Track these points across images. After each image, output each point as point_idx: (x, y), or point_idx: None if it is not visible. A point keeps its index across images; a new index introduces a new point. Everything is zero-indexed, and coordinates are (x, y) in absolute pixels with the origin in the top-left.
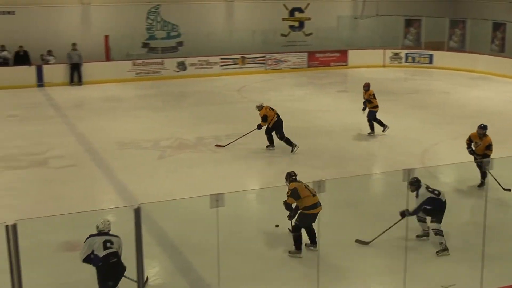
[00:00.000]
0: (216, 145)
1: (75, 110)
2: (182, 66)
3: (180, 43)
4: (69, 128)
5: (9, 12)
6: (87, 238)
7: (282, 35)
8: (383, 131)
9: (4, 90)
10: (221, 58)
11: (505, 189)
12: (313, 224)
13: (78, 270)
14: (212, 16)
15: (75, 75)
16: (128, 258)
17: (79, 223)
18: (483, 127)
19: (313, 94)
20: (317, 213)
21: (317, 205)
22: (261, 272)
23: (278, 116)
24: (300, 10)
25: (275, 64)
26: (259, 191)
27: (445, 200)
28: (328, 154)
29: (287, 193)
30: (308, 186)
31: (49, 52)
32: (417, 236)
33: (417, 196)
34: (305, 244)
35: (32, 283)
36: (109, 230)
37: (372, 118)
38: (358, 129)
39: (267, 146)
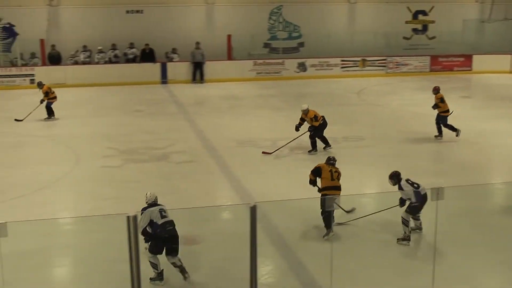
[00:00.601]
0: (263, 152)
1: (196, 107)
2: (302, 67)
3: (301, 44)
4: (190, 124)
5: (137, 11)
6: (144, 211)
7: (405, 38)
8: (456, 135)
9: (131, 86)
10: (342, 60)
11: None
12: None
13: (194, 264)
14: (334, 17)
15: (198, 73)
16: (242, 255)
17: (196, 217)
18: None
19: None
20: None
21: (334, 188)
22: (374, 277)
23: (324, 119)
24: (424, 13)
25: (396, 68)
26: (375, 196)
27: (425, 193)
28: (449, 161)
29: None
30: (334, 172)
31: (174, 50)
32: (411, 229)
33: (400, 188)
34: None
35: (150, 274)
36: (157, 200)
37: (443, 123)
38: (482, 136)
39: (309, 151)
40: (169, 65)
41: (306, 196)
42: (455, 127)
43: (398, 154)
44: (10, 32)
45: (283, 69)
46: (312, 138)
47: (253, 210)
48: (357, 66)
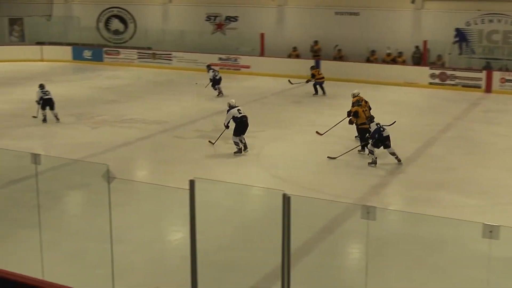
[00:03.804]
0: (317, 132)
1: None
2: None
3: None
4: None
5: None
6: (228, 111)
7: None
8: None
9: None
10: None
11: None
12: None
13: None
14: None
15: None
16: None
17: None
18: None
19: None
20: None
21: None
22: None
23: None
24: None
25: None
26: None
27: (387, 136)
28: None
29: None
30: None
31: None
32: (369, 163)
33: (369, 128)
34: None
35: None
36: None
37: None
38: None
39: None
40: None
41: None
42: None
43: None
44: None
45: None
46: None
47: None
48: None
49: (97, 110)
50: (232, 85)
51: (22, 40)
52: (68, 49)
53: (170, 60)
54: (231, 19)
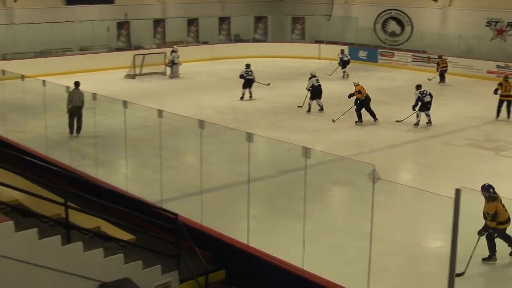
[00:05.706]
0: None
1: None
2: None
3: None
4: None
5: None
6: (310, 79)
7: None
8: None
9: None
10: None
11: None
12: None
13: None
14: None
15: None
16: None
17: None
18: None
19: None
20: None
21: None
22: None
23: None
24: None
25: None
26: None
27: (427, 101)
28: None
29: None
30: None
31: None
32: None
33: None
34: None
35: None
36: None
37: None
38: None
39: (356, 122)
40: None
41: None
42: None
43: None
44: None
45: None
46: (357, 110)
47: None
48: None
49: None
50: None
51: (302, 38)
52: (345, 48)
53: None
54: None
